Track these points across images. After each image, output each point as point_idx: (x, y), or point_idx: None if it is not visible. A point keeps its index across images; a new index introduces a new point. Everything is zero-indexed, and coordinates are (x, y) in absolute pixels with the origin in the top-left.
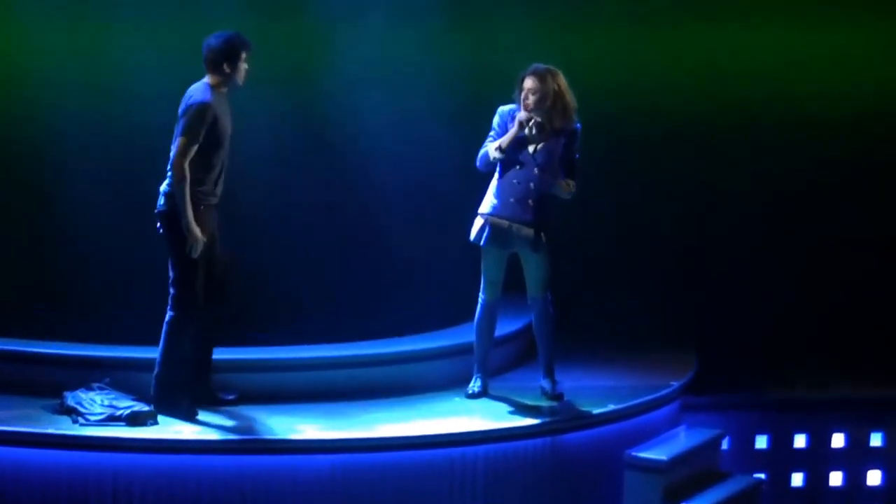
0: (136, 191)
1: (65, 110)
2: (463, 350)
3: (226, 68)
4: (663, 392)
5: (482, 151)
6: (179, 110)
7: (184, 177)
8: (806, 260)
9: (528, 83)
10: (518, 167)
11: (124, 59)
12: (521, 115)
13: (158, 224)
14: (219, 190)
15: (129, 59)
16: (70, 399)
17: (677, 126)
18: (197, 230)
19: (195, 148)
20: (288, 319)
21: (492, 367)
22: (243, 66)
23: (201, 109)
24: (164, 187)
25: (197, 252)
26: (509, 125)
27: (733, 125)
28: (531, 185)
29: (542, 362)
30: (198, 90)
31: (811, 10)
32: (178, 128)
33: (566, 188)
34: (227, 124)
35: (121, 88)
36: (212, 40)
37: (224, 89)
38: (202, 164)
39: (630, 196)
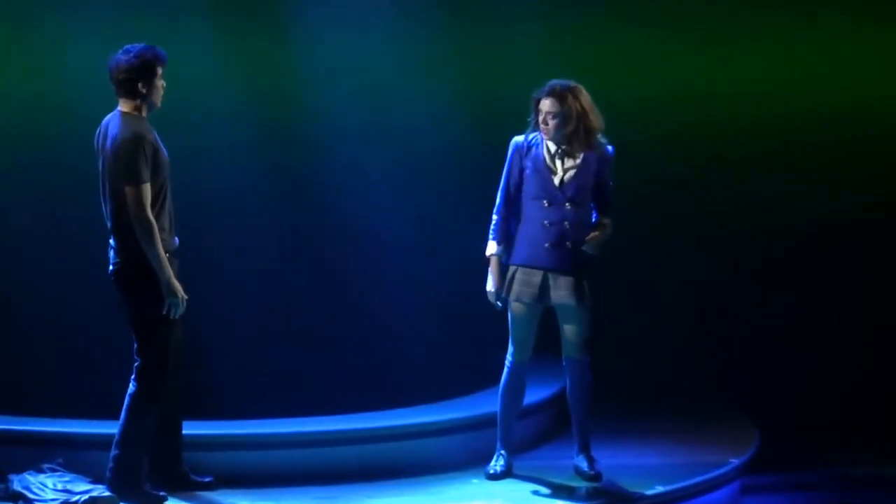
0: (91, 242)
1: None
2: (482, 422)
3: (141, 88)
4: (720, 471)
5: (499, 200)
6: (105, 152)
7: (152, 226)
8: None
9: (546, 105)
10: (546, 205)
11: (79, 101)
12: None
13: (118, 285)
14: (174, 232)
15: (85, 98)
16: (17, 483)
17: (717, 155)
18: (179, 287)
19: (148, 188)
20: (269, 388)
21: (517, 442)
22: (160, 83)
23: (134, 145)
24: (112, 242)
25: (179, 312)
26: (525, 163)
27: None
28: (566, 224)
29: (577, 436)
30: (118, 124)
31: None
32: (114, 174)
33: (597, 238)
34: (164, 152)
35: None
36: (121, 57)
37: (144, 113)
38: (152, 206)
39: (675, 240)
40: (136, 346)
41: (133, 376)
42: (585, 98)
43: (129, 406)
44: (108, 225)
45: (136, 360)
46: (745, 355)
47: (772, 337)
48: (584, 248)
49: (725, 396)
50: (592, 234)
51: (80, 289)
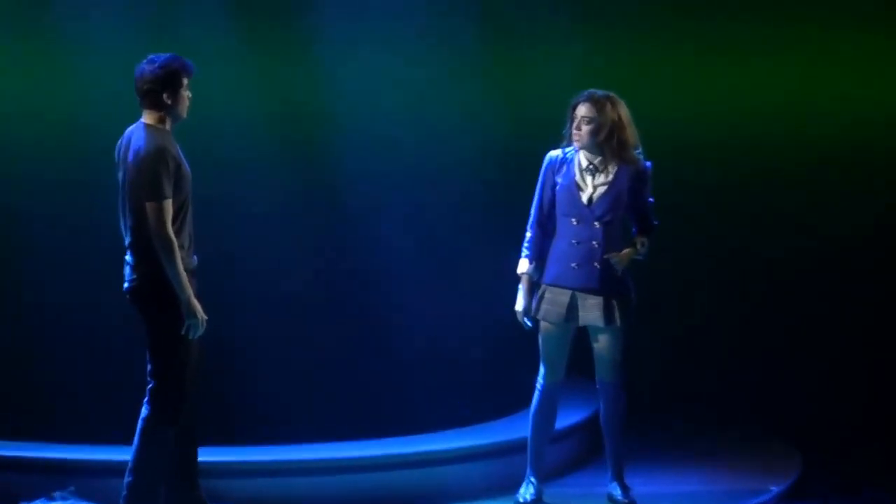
0: (103, 266)
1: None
2: (510, 448)
3: (166, 99)
4: (760, 498)
5: (532, 216)
6: (127, 165)
7: (173, 244)
8: None
9: (583, 110)
10: (575, 222)
11: (102, 120)
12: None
13: (134, 303)
14: (193, 250)
15: (108, 119)
16: None
17: (753, 172)
18: (199, 307)
19: (170, 204)
20: (286, 412)
21: (548, 469)
22: (186, 94)
23: (158, 159)
24: (129, 258)
25: (198, 333)
26: (557, 178)
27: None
28: (594, 244)
29: (611, 462)
30: (142, 136)
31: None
32: (135, 188)
33: (622, 256)
34: (187, 168)
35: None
36: (145, 67)
37: (168, 126)
38: (173, 223)
39: (709, 255)
40: (150, 367)
41: (146, 399)
42: (623, 109)
43: (142, 430)
44: (126, 240)
45: (150, 382)
46: (776, 369)
47: (808, 352)
48: (612, 263)
49: (780, 418)
50: (617, 253)
51: (98, 306)
